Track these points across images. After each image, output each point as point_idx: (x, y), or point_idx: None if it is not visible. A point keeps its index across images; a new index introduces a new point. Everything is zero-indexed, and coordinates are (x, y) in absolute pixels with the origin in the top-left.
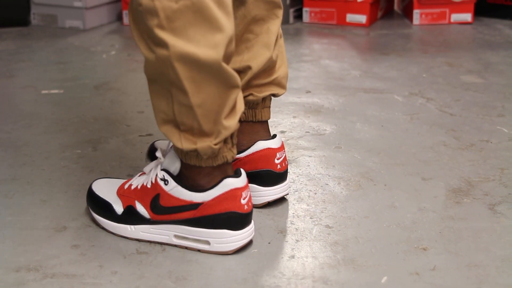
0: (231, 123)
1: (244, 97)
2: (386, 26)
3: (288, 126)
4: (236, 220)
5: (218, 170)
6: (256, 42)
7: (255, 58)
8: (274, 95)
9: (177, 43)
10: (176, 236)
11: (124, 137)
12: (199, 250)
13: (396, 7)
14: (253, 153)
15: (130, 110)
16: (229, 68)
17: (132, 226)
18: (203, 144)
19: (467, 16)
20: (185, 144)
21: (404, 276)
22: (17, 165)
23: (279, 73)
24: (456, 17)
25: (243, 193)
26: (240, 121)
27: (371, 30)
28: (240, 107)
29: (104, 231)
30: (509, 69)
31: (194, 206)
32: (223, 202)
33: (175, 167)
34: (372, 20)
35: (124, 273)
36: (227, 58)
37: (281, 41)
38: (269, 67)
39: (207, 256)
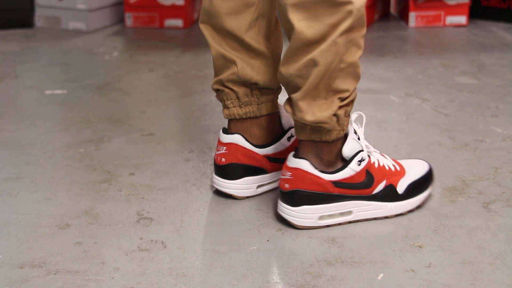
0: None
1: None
2: (383, 28)
3: None
4: (214, 166)
5: (230, 122)
6: None
7: None
8: None
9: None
10: None
11: (126, 137)
12: None
13: (392, 9)
14: None
15: (132, 110)
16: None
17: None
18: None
19: (462, 19)
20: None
21: (400, 272)
22: (22, 164)
23: None
24: (451, 19)
25: (218, 146)
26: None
27: (367, 32)
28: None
29: (106, 229)
30: (503, 70)
31: None
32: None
33: None
34: (368, 23)
35: (125, 270)
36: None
37: None
38: None
39: (207, 253)
